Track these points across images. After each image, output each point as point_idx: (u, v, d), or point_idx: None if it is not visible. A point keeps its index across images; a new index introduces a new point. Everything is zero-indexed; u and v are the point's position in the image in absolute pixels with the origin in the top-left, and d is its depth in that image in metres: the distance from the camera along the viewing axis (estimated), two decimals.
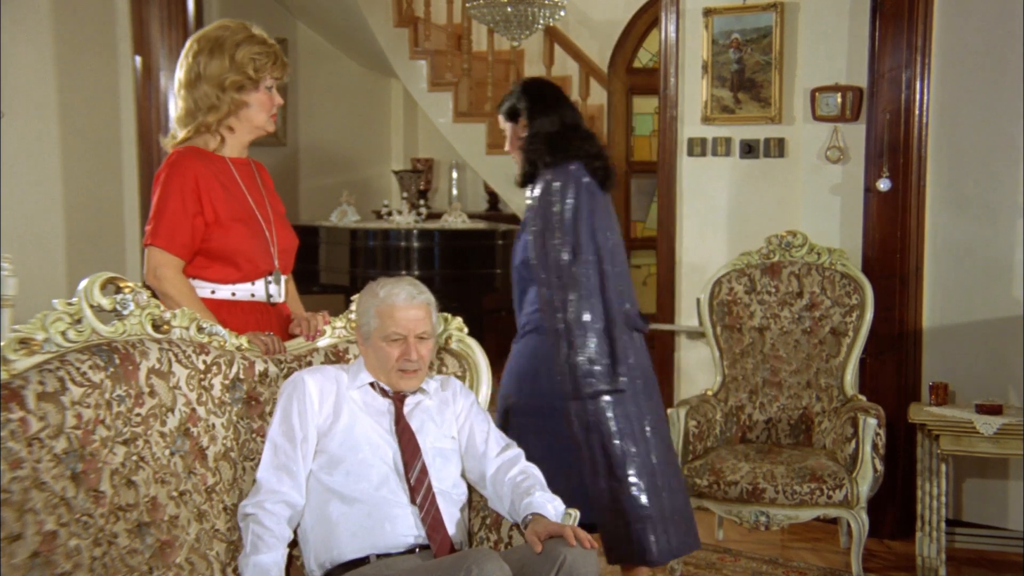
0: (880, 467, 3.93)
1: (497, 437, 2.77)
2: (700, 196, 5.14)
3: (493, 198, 8.18)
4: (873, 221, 4.58)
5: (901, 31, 4.48)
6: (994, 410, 3.94)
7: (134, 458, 2.35)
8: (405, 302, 2.66)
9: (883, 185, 4.51)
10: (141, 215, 5.52)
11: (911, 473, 4.32)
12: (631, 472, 3.38)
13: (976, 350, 4.46)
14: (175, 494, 2.43)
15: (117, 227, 5.79)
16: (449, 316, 2.97)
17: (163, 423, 2.44)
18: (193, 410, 2.52)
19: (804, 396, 4.36)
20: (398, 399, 2.69)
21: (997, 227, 4.42)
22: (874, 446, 3.89)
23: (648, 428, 3.46)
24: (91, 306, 2.34)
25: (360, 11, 7.32)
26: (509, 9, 5.27)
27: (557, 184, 3.41)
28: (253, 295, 2.93)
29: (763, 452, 4.17)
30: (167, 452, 2.44)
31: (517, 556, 2.42)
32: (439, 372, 2.92)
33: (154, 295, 2.60)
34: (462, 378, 2.92)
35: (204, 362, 2.57)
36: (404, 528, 2.56)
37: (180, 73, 2.93)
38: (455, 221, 6.80)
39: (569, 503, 2.64)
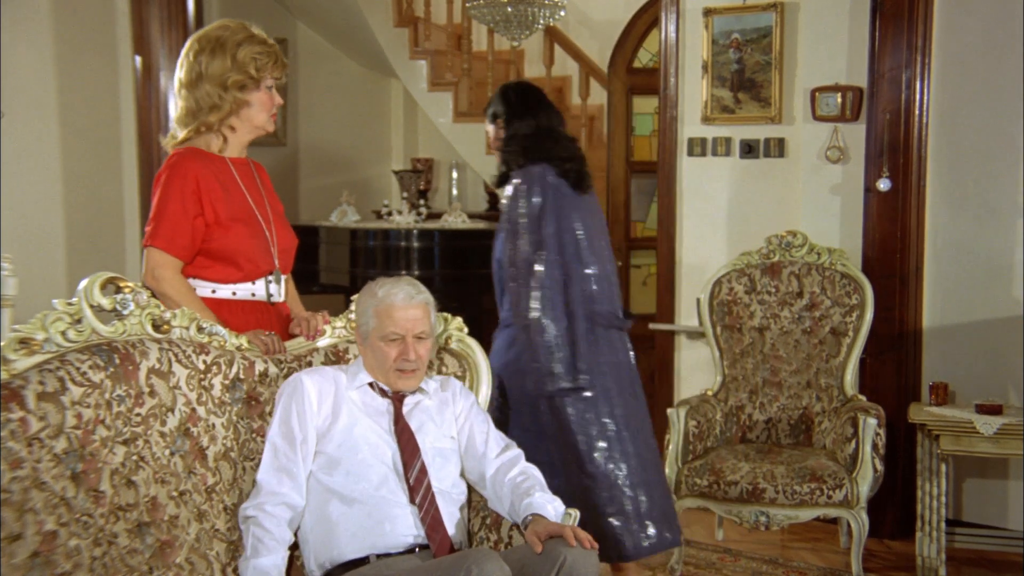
0: (880, 467, 3.93)
1: (497, 438, 2.77)
2: (700, 196, 5.14)
3: (493, 198, 8.18)
4: (873, 221, 4.58)
5: (901, 31, 4.48)
6: (994, 410, 3.94)
7: (134, 458, 2.35)
8: (403, 302, 2.66)
9: (883, 185, 4.51)
10: (141, 215, 5.52)
11: (911, 473, 4.32)
12: (601, 469, 3.43)
13: (976, 350, 4.46)
14: (175, 494, 2.43)
15: (117, 227, 5.79)
16: (449, 316, 2.97)
17: (163, 423, 2.44)
18: (193, 410, 2.52)
19: (804, 396, 4.36)
20: (397, 399, 2.69)
21: (997, 227, 4.42)
22: (874, 446, 3.89)
23: (620, 425, 3.51)
24: (91, 306, 2.34)
25: (360, 11, 7.31)
26: (509, 9, 5.26)
27: (524, 185, 3.53)
28: (253, 294, 2.94)
29: (763, 452, 4.17)
30: (167, 452, 2.44)
31: (517, 556, 2.42)
32: (439, 372, 2.92)
33: (154, 295, 2.60)
34: (462, 378, 2.92)
35: (204, 362, 2.57)
36: (404, 528, 2.56)
37: (180, 73, 2.93)
38: (455, 221, 6.80)
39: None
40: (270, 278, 2.96)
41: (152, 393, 2.42)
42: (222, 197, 2.89)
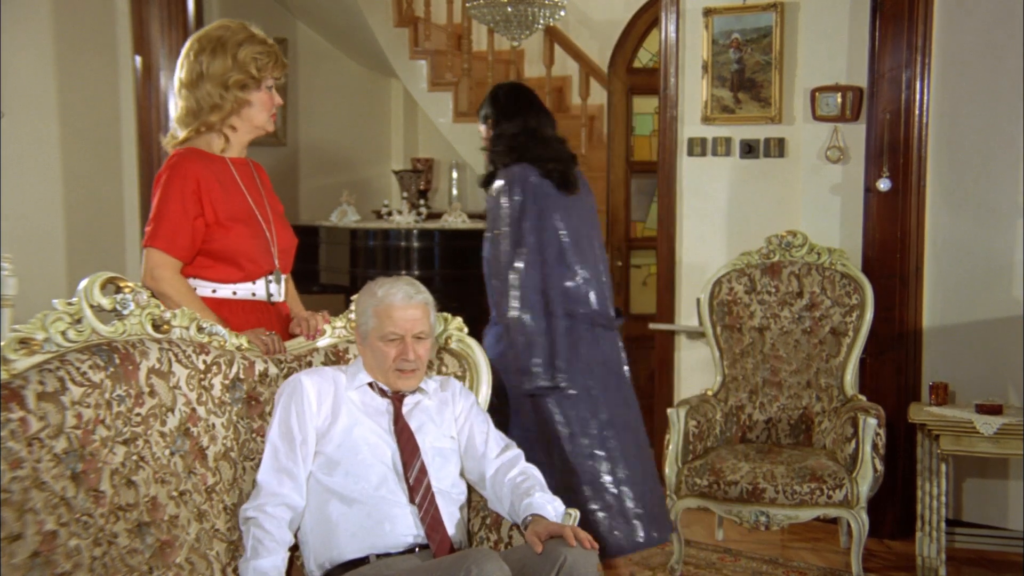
0: (880, 467, 3.93)
1: (496, 438, 2.77)
2: (700, 196, 5.14)
3: None
4: (873, 221, 4.58)
5: (901, 31, 4.48)
6: (994, 410, 3.94)
7: (134, 458, 2.35)
8: (403, 302, 2.66)
9: (883, 185, 4.51)
10: (141, 215, 5.52)
11: (911, 473, 4.32)
12: (584, 466, 3.47)
13: (976, 350, 4.46)
14: (175, 494, 2.43)
15: (117, 227, 5.79)
16: (449, 316, 2.97)
17: (163, 423, 2.44)
18: (193, 410, 2.52)
19: (804, 396, 4.36)
20: (397, 399, 2.69)
21: (997, 227, 4.42)
22: (874, 446, 3.89)
23: (604, 424, 3.54)
24: (91, 306, 2.34)
25: (360, 11, 7.31)
26: (509, 9, 5.26)
27: (505, 185, 3.61)
28: (254, 294, 2.94)
29: (763, 452, 4.17)
30: (167, 452, 2.44)
31: (517, 556, 2.42)
32: (439, 372, 2.92)
33: (153, 295, 2.60)
34: (462, 378, 2.92)
35: (204, 362, 2.57)
36: (403, 528, 2.56)
37: (181, 73, 2.93)
38: (455, 221, 6.80)
39: None
40: (270, 278, 2.97)
41: (152, 393, 2.42)
42: (222, 197, 2.89)
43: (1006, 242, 4.40)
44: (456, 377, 2.91)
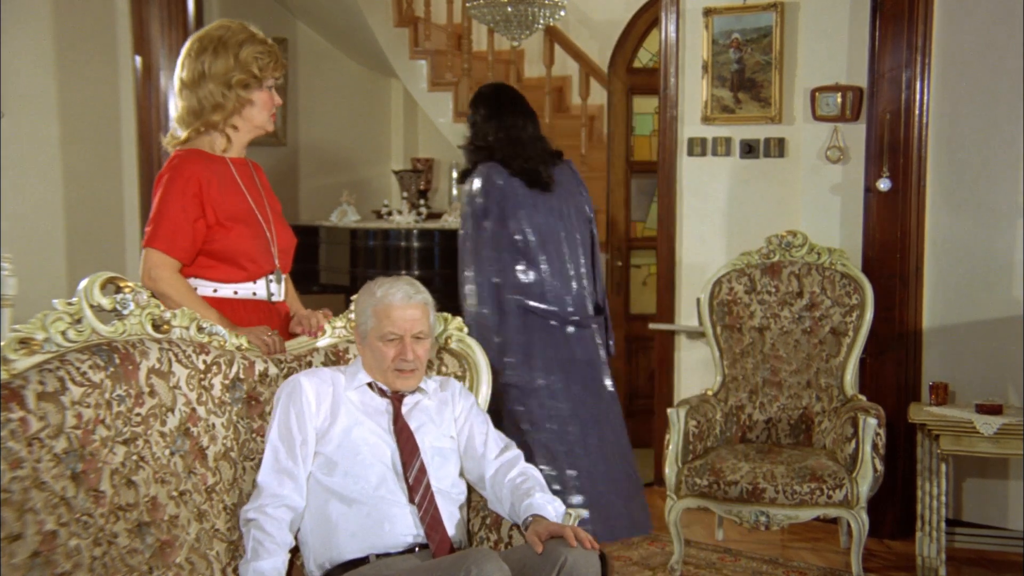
0: (880, 467, 3.93)
1: (496, 439, 2.76)
2: (700, 196, 5.14)
3: None
4: (873, 221, 4.58)
5: (901, 31, 4.48)
6: (994, 410, 3.94)
7: (134, 458, 2.35)
8: (402, 302, 2.65)
9: (883, 185, 4.51)
10: (141, 215, 5.52)
11: (911, 473, 4.32)
12: (545, 461, 3.49)
13: (976, 350, 4.46)
14: (175, 494, 2.43)
15: (117, 227, 5.79)
16: (449, 316, 2.97)
17: (163, 423, 2.44)
18: (193, 410, 2.52)
19: (804, 396, 4.36)
20: (396, 399, 2.69)
21: (997, 227, 4.42)
22: (874, 446, 3.88)
23: (565, 419, 3.58)
24: (91, 306, 2.34)
25: (360, 11, 7.31)
26: (509, 9, 5.26)
27: (472, 184, 3.75)
28: (255, 294, 2.95)
29: (763, 452, 4.17)
30: (167, 452, 2.44)
31: (517, 556, 2.42)
32: (439, 372, 2.92)
33: (153, 295, 2.60)
34: (462, 378, 2.92)
35: (204, 362, 2.57)
36: (403, 528, 2.55)
37: (183, 73, 2.92)
38: (455, 221, 6.80)
39: None
40: (271, 278, 2.97)
41: (152, 393, 2.42)
42: (223, 198, 2.89)
43: (1006, 242, 4.40)
44: (456, 377, 2.91)
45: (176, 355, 2.50)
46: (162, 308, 2.52)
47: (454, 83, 7.37)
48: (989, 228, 4.44)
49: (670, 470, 4.02)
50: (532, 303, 3.67)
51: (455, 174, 8.28)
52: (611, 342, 4.05)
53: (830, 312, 4.37)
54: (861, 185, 4.62)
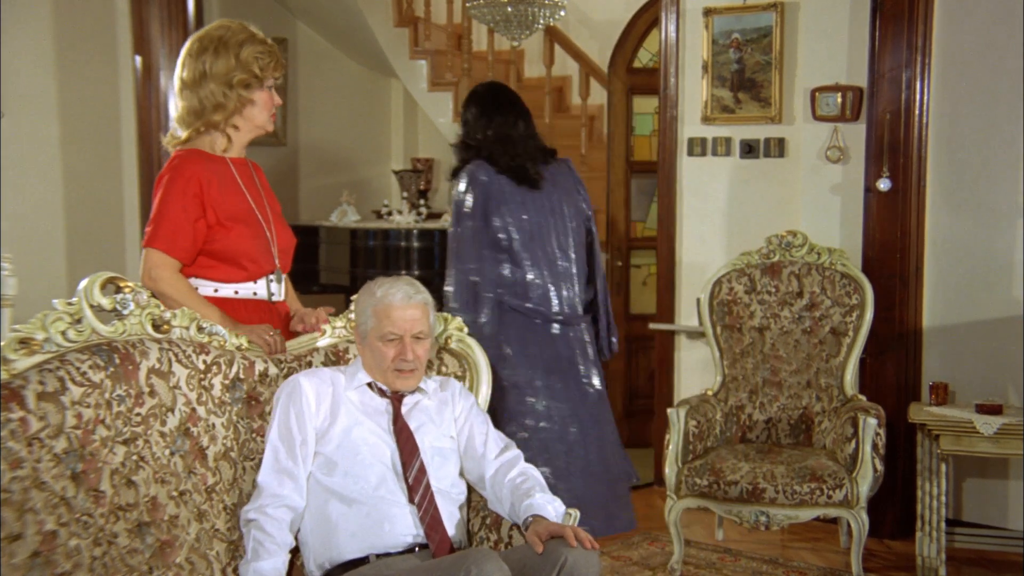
0: (880, 467, 3.93)
1: (496, 439, 2.76)
2: (700, 196, 5.14)
3: None
4: (873, 221, 4.58)
5: (901, 31, 4.48)
6: (994, 410, 3.93)
7: (134, 458, 2.35)
8: (402, 302, 2.65)
9: (883, 185, 4.51)
10: (141, 215, 5.52)
11: (911, 473, 4.32)
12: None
13: (976, 350, 4.46)
14: (175, 494, 2.43)
15: (117, 227, 5.79)
16: (449, 316, 2.97)
17: (163, 423, 2.44)
18: (193, 410, 2.52)
19: (804, 396, 4.36)
20: (396, 399, 2.69)
21: (997, 227, 4.42)
22: (874, 446, 3.88)
23: (542, 417, 3.59)
24: (91, 306, 2.34)
25: (360, 11, 7.31)
26: (509, 9, 5.26)
27: (459, 181, 3.78)
28: (255, 293, 2.95)
29: (763, 452, 4.17)
30: (167, 452, 2.44)
31: (518, 556, 2.42)
32: (439, 372, 2.92)
33: (154, 295, 2.60)
34: (462, 378, 2.92)
35: (204, 362, 2.57)
36: (403, 528, 2.55)
37: (183, 73, 2.92)
38: None
39: None
40: (271, 277, 2.98)
41: (152, 393, 2.42)
42: (224, 198, 2.89)
43: (1006, 242, 4.40)
44: (456, 377, 2.91)
45: (176, 355, 2.50)
46: (162, 308, 2.52)
47: (454, 83, 7.36)
48: (989, 228, 4.44)
49: (670, 470, 4.02)
50: (514, 301, 3.69)
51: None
52: (614, 339, 4.03)
53: (830, 312, 4.37)
54: (861, 185, 4.62)
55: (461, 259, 3.68)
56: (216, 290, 2.90)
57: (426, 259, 6.48)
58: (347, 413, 2.64)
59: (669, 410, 4.10)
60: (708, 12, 5.01)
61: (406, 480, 2.59)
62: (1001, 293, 4.41)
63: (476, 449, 2.73)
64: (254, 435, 2.67)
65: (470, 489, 2.77)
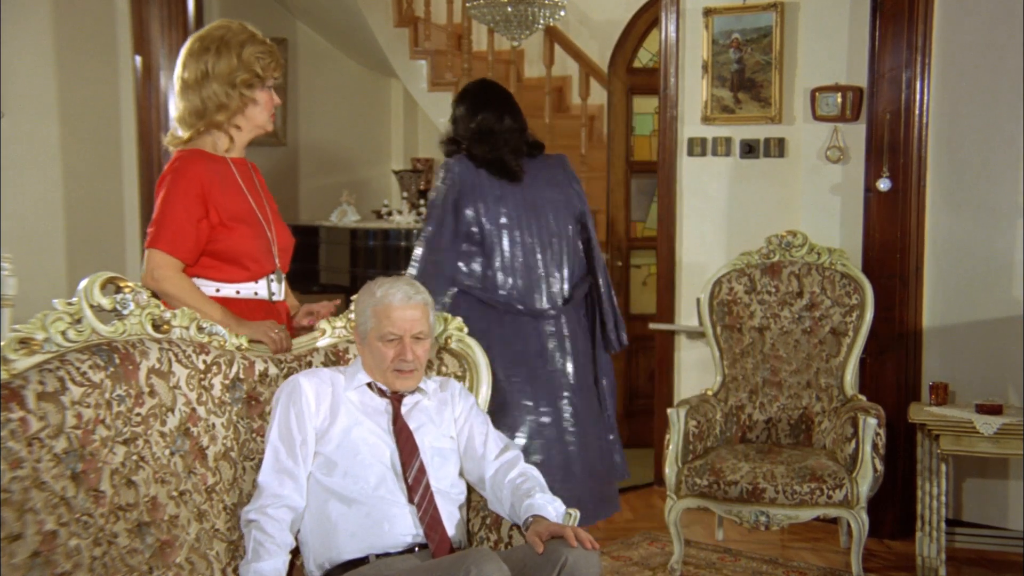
0: (880, 467, 3.93)
1: (496, 439, 2.76)
2: (700, 196, 5.14)
3: None
4: (873, 221, 4.58)
5: (901, 31, 4.48)
6: (994, 410, 3.93)
7: (134, 458, 2.35)
8: (401, 302, 2.65)
9: (883, 185, 4.51)
10: (141, 215, 5.52)
11: (911, 473, 4.32)
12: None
13: (976, 350, 4.46)
14: (175, 494, 2.43)
15: (117, 227, 5.79)
16: (448, 316, 2.97)
17: (163, 423, 2.44)
18: (193, 410, 2.52)
19: (804, 396, 4.36)
20: (395, 399, 2.69)
21: (997, 227, 4.42)
22: (874, 446, 3.88)
23: (522, 409, 3.59)
24: (91, 306, 2.34)
25: (360, 11, 7.31)
26: (509, 9, 5.26)
27: (438, 174, 3.84)
28: (256, 293, 2.96)
29: (763, 452, 4.17)
30: (167, 452, 2.44)
31: (518, 556, 2.42)
32: (439, 372, 2.92)
33: (155, 295, 2.60)
34: (461, 378, 2.92)
35: (204, 362, 2.57)
36: (402, 528, 2.55)
37: (185, 73, 2.92)
38: None
39: None
40: (272, 277, 2.98)
41: (152, 393, 2.42)
42: (226, 199, 2.90)
43: (1006, 242, 4.40)
44: (456, 377, 2.91)
45: (176, 355, 2.50)
46: (162, 308, 2.52)
47: (454, 83, 7.36)
48: (989, 228, 4.44)
49: (670, 470, 4.02)
50: (484, 294, 3.70)
51: None
52: (622, 333, 3.99)
53: (830, 312, 4.37)
54: (861, 185, 4.62)
55: (427, 249, 3.71)
56: (218, 290, 2.90)
57: None
58: (347, 413, 2.64)
59: (669, 410, 4.10)
60: (708, 12, 5.01)
61: (406, 480, 2.59)
62: (1001, 293, 4.41)
63: (476, 450, 2.73)
64: (254, 435, 2.67)
65: (470, 489, 2.77)
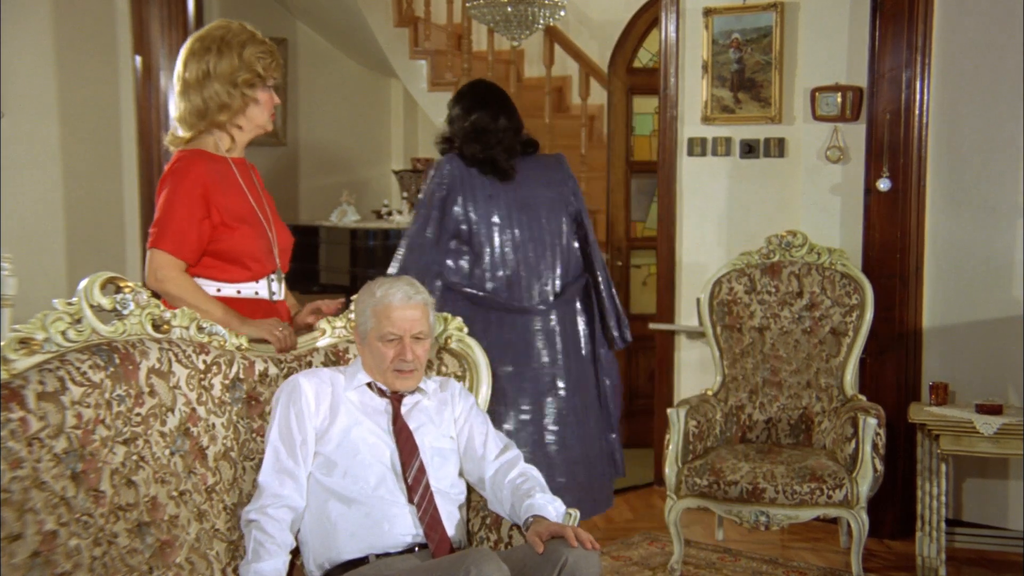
0: (880, 467, 3.93)
1: (496, 439, 2.76)
2: (700, 196, 5.14)
3: None
4: (873, 221, 4.58)
5: (901, 31, 4.48)
6: (994, 410, 3.94)
7: (134, 458, 2.35)
8: (401, 302, 2.65)
9: (883, 185, 4.51)
10: (141, 215, 5.52)
11: (911, 473, 4.32)
12: None
13: (976, 350, 4.46)
14: (175, 494, 2.43)
15: (117, 227, 5.79)
16: (448, 316, 2.97)
17: (163, 423, 2.44)
18: (193, 410, 2.52)
19: (804, 396, 4.36)
20: (395, 399, 2.69)
21: (997, 227, 4.42)
22: (874, 446, 3.88)
23: (512, 405, 3.61)
24: (91, 306, 2.34)
25: (360, 11, 7.31)
26: (509, 9, 5.26)
27: (428, 173, 3.85)
28: (257, 293, 2.96)
29: (763, 452, 4.17)
30: (167, 452, 2.44)
31: (518, 556, 2.42)
32: (439, 372, 2.92)
33: (155, 295, 2.60)
34: (461, 378, 2.92)
35: (204, 362, 2.57)
36: (402, 528, 2.55)
37: (186, 73, 2.92)
38: None
39: None
40: (272, 277, 2.99)
41: (152, 393, 2.42)
42: (227, 199, 2.90)
43: (1006, 242, 4.40)
44: (456, 377, 2.91)
45: (176, 355, 2.50)
46: (162, 308, 2.52)
47: (454, 83, 7.35)
48: (989, 228, 4.44)
49: (670, 470, 4.02)
50: (470, 291, 3.70)
51: None
52: (626, 330, 3.99)
53: (830, 312, 4.37)
54: (861, 185, 4.62)
55: (411, 246, 3.72)
56: (219, 290, 2.91)
57: None
58: (347, 413, 2.64)
59: (669, 410, 4.10)
60: (708, 12, 5.01)
61: (405, 480, 2.60)
62: (1001, 293, 4.41)
63: (476, 450, 2.73)
64: (254, 435, 2.67)
65: (470, 489, 2.77)
